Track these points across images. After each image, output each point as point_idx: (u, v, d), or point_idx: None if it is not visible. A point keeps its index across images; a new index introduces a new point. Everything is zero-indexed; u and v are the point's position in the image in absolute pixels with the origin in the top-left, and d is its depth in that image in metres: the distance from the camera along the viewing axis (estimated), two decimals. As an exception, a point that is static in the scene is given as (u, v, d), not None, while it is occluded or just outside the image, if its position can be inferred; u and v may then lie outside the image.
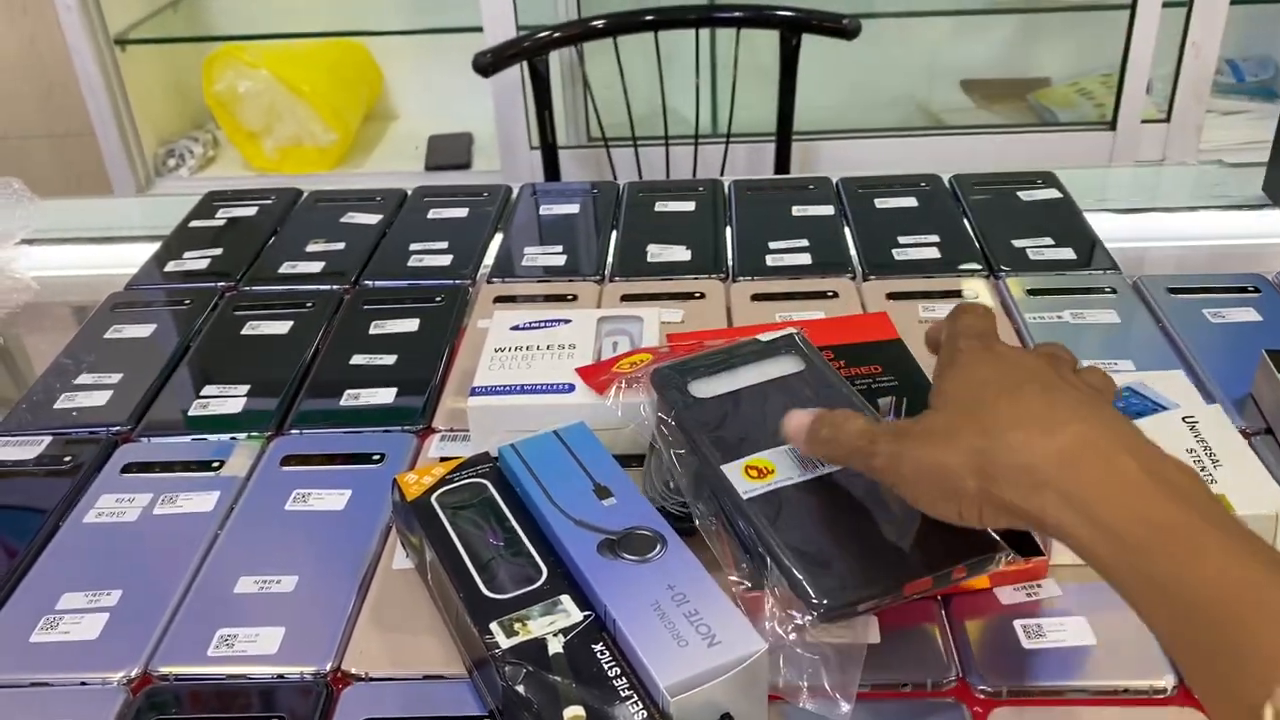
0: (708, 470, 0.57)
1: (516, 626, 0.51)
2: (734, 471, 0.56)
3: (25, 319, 0.91)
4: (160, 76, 2.14)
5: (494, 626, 0.51)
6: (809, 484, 0.55)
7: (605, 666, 0.49)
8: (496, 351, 0.71)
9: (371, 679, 0.56)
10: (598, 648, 0.50)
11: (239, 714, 0.54)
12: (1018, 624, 0.56)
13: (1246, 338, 0.78)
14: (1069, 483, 0.41)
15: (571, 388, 0.67)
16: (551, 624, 0.51)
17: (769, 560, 0.52)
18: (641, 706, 0.47)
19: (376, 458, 0.71)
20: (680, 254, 0.92)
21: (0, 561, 0.64)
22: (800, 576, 0.51)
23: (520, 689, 0.48)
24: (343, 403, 0.76)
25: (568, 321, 0.73)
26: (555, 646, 0.50)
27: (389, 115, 2.30)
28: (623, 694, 0.48)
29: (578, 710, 0.47)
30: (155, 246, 0.99)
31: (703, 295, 0.86)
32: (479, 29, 1.89)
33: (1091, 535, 0.40)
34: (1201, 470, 0.61)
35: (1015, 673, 0.54)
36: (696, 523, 0.57)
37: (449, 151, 2.12)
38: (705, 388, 0.62)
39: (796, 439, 0.55)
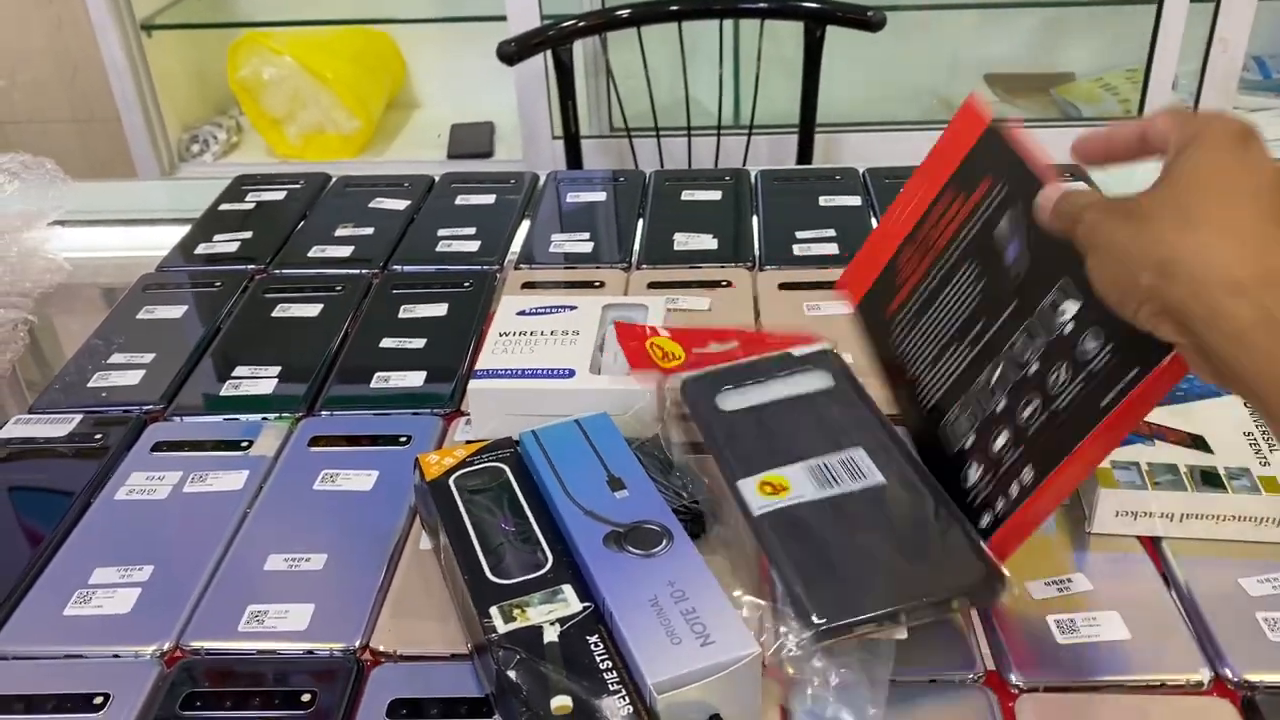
0: (726, 484, 0.57)
1: (515, 612, 0.52)
2: (749, 486, 0.56)
3: (57, 299, 0.92)
4: (185, 62, 2.15)
5: (493, 611, 0.52)
6: (823, 504, 0.55)
7: (598, 659, 0.49)
8: (501, 335, 0.71)
9: (400, 657, 0.56)
10: (592, 639, 0.50)
11: (272, 689, 0.54)
12: (1050, 619, 0.56)
13: None
14: (1271, 300, 0.39)
15: (572, 373, 0.68)
16: (550, 613, 0.52)
17: (775, 575, 0.53)
18: (628, 702, 0.47)
19: (403, 440, 0.71)
20: (707, 242, 0.92)
21: (32, 536, 0.65)
22: (800, 593, 0.51)
23: (512, 674, 0.48)
24: (372, 385, 0.76)
25: (573, 308, 0.74)
26: (551, 635, 0.50)
27: (411, 104, 2.30)
28: (611, 687, 0.48)
29: (565, 700, 0.47)
30: (185, 229, 0.99)
31: (730, 284, 0.86)
32: (502, 18, 1.89)
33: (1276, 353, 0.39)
34: (1256, 453, 0.61)
35: (1050, 668, 0.53)
36: (714, 533, 0.57)
37: (471, 140, 2.13)
38: (732, 400, 0.62)
39: (1044, 212, 0.51)
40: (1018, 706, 0.52)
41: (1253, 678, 0.52)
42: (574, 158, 1.62)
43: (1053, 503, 0.53)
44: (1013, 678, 0.53)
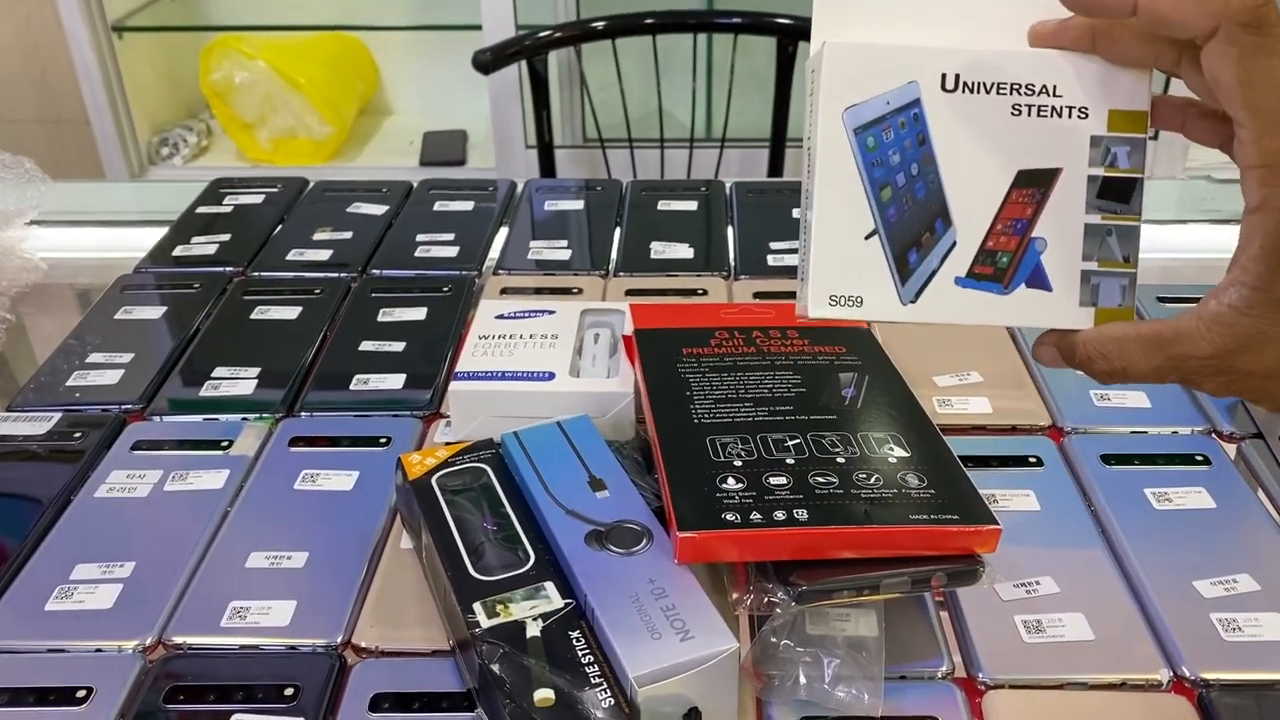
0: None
1: (498, 608, 0.53)
2: None
3: (31, 300, 0.92)
4: (156, 64, 2.14)
5: (476, 606, 0.53)
6: None
7: (580, 653, 0.50)
8: (481, 339, 0.72)
9: (382, 653, 0.57)
10: (574, 634, 0.51)
11: (255, 683, 0.55)
12: (1018, 619, 0.58)
13: (1234, 346, 0.80)
14: None
15: (551, 376, 0.69)
16: (533, 608, 0.53)
17: None
18: (609, 694, 0.48)
19: (383, 441, 0.72)
20: (683, 251, 0.93)
21: (11, 533, 0.65)
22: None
23: (495, 668, 0.49)
24: (351, 387, 0.77)
25: (551, 312, 0.75)
26: (533, 630, 0.52)
27: (384, 110, 2.31)
28: (593, 681, 0.49)
29: (547, 693, 0.48)
30: (161, 232, 1.00)
31: (705, 292, 0.87)
32: (477, 27, 1.91)
33: None
34: None
35: (1017, 666, 0.55)
36: None
37: (444, 148, 2.14)
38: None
39: (1057, 363, 0.49)
40: (985, 702, 0.54)
41: (1208, 676, 0.54)
42: (547, 167, 1.63)
43: (808, 549, 0.53)
44: (981, 675, 0.55)
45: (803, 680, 0.53)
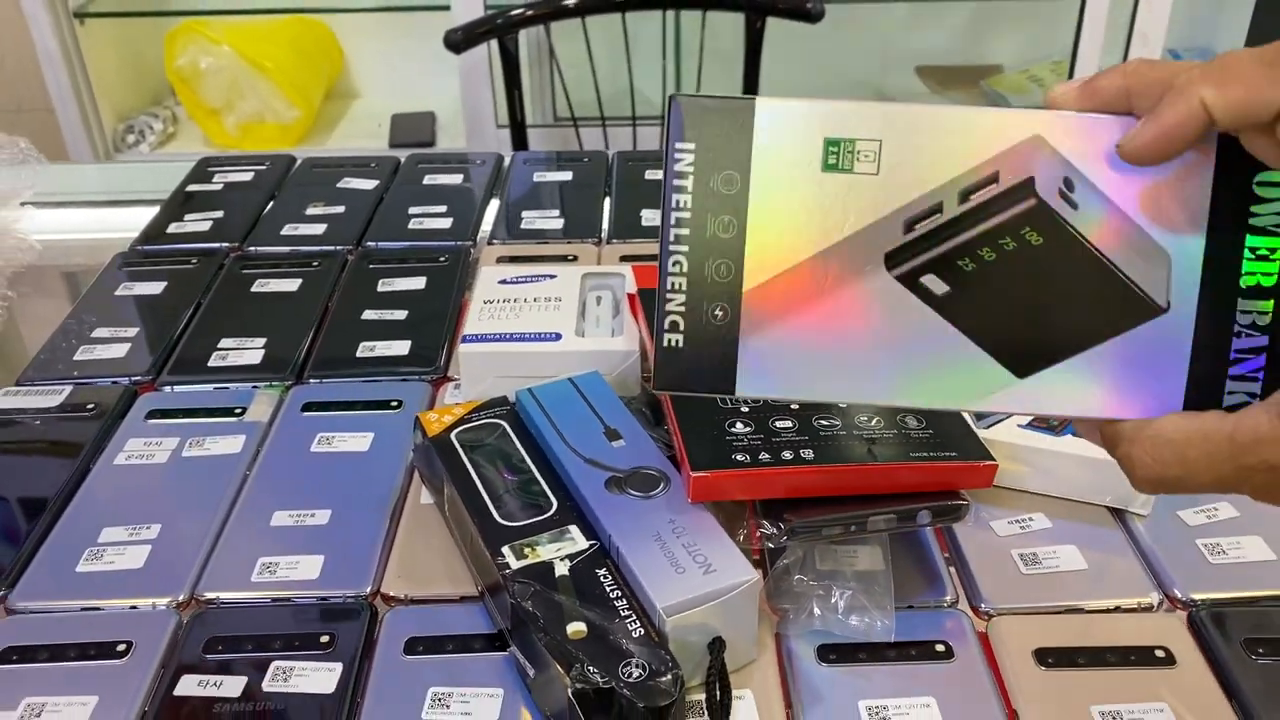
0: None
1: (526, 551, 0.55)
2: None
3: (26, 281, 0.92)
4: (120, 51, 2.12)
5: (505, 550, 0.55)
6: None
7: (607, 589, 0.53)
8: (486, 303, 0.74)
9: (411, 600, 0.59)
10: (601, 572, 0.54)
11: (292, 632, 0.57)
12: (1014, 553, 0.61)
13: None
14: None
15: (558, 336, 0.71)
16: (559, 550, 0.55)
17: None
18: (639, 625, 0.51)
19: (394, 404, 0.74)
20: (673, 218, 0.95)
21: (34, 501, 0.66)
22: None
23: (528, 605, 0.52)
24: (358, 354, 0.78)
25: (553, 277, 0.77)
26: (561, 569, 0.54)
27: (351, 94, 2.30)
28: (622, 613, 0.52)
29: (580, 625, 0.51)
30: (148, 211, 1.00)
31: (697, 256, 0.90)
32: (443, 7, 1.91)
33: None
34: None
35: (1016, 596, 0.58)
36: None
37: (412, 130, 2.13)
38: None
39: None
40: (991, 627, 0.57)
41: (1198, 596, 0.58)
42: (520, 146, 1.64)
43: (815, 486, 0.56)
44: (983, 606, 0.58)
45: (817, 612, 0.56)
